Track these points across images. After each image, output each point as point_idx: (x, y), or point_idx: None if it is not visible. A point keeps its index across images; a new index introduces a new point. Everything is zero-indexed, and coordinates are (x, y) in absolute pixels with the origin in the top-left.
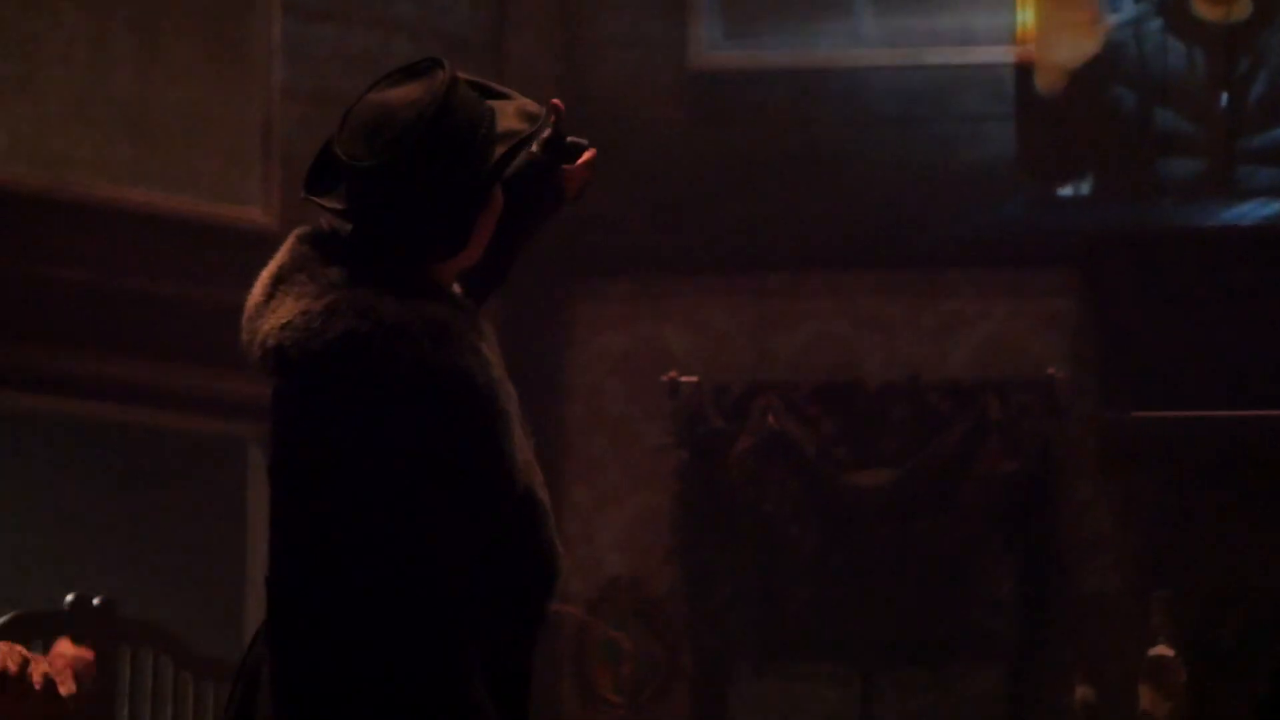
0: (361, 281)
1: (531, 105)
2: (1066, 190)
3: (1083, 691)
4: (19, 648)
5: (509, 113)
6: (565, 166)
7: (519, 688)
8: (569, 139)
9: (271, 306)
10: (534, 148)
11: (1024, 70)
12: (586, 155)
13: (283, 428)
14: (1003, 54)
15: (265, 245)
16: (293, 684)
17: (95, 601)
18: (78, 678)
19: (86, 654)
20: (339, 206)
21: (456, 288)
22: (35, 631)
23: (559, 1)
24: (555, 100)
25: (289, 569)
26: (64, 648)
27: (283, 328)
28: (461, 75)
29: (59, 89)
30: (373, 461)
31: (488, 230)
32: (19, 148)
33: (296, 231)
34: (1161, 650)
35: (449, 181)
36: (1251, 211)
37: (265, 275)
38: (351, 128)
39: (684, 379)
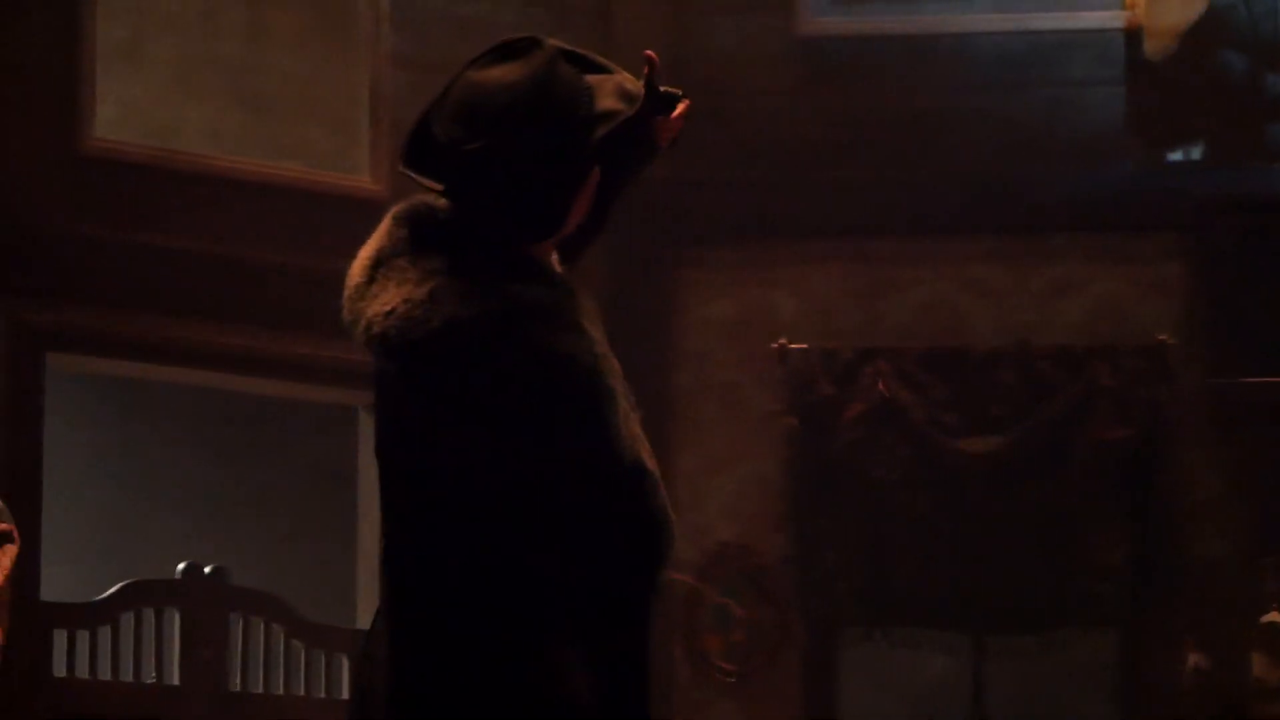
0: (461, 266)
1: (630, 82)
2: (1176, 155)
3: (1194, 658)
4: None
5: (608, 89)
6: (659, 118)
7: (639, 659)
8: (662, 89)
9: (374, 290)
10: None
11: (1133, 35)
12: (681, 107)
13: (390, 411)
14: (1111, 18)
15: (374, 213)
16: (409, 667)
17: (207, 570)
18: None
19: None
20: (438, 186)
21: (553, 254)
22: (147, 600)
23: None
24: (649, 53)
25: (402, 548)
26: None
27: (386, 315)
28: (561, 46)
29: (168, 58)
30: (481, 446)
31: (584, 204)
32: (128, 117)
33: (394, 210)
34: (1274, 616)
35: (548, 164)
36: None
37: (365, 256)
38: (451, 107)
39: (793, 345)
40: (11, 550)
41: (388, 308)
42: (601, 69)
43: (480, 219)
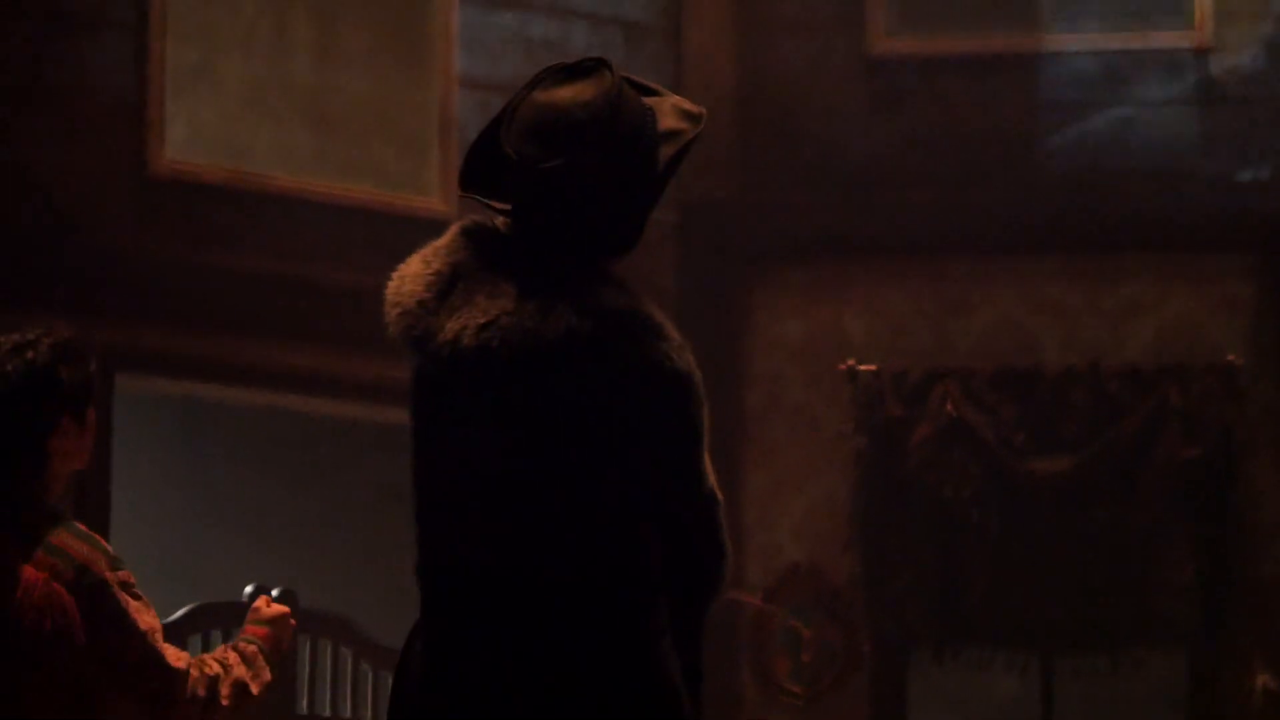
0: (555, 281)
1: (686, 103)
2: (1246, 175)
3: (1264, 678)
4: (208, 665)
5: (666, 110)
6: None
7: (692, 681)
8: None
9: (454, 303)
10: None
11: (1201, 55)
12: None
13: (469, 423)
14: (1181, 39)
15: (443, 232)
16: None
17: (274, 592)
18: (277, 646)
19: (280, 611)
20: (504, 206)
21: None
22: (214, 622)
23: None
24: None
25: (513, 553)
26: (261, 612)
27: (483, 327)
28: (624, 75)
29: (238, 78)
30: (597, 450)
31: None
32: (199, 137)
33: (457, 228)
34: None
35: (626, 180)
36: None
37: (431, 271)
38: (522, 126)
39: (862, 366)
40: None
41: (484, 319)
42: (653, 92)
43: (556, 236)
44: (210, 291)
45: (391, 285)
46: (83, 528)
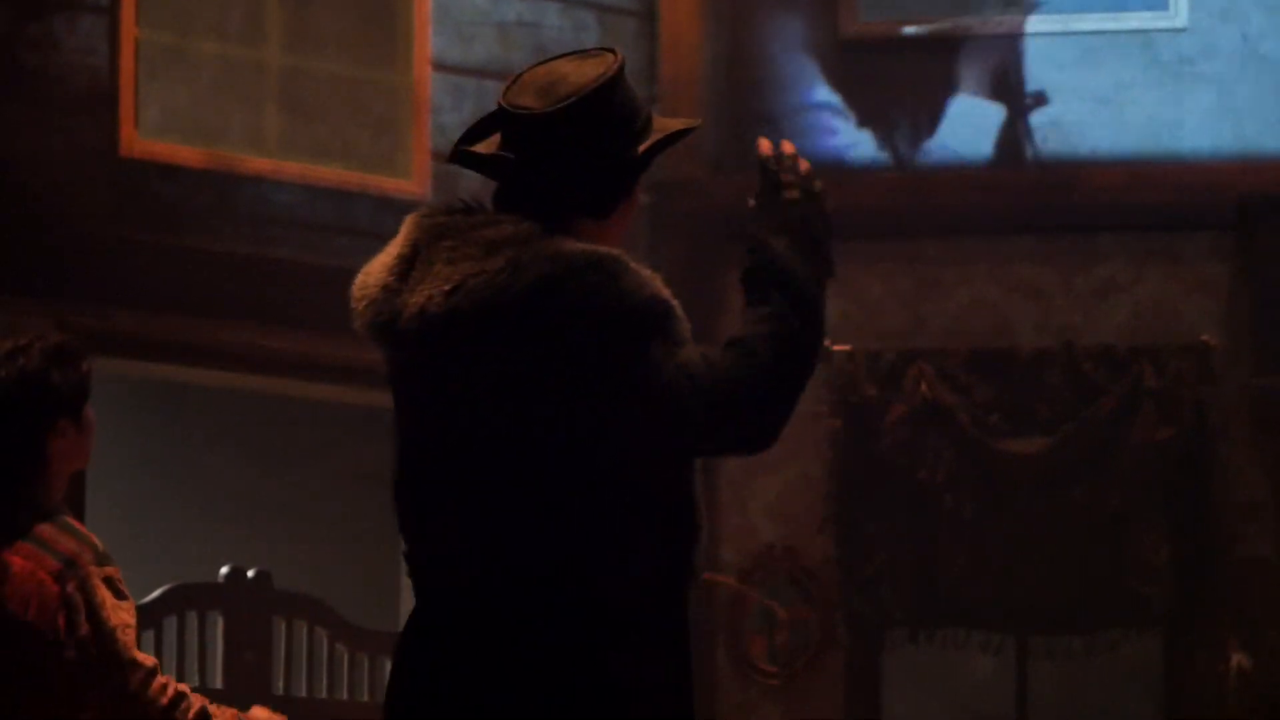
0: (524, 236)
1: (687, 119)
2: (1219, 156)
3: (1237, 658)
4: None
5: (664, 115)
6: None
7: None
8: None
9: (414, 278)
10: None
11: (1176, 35)
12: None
13: (447, 391)
14: (1155, 19)
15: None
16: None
17: (250, 574)
18: None
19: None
20: (488, 152)
21: None
22: (190, 603)
23: None
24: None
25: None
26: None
27: (450, 293)
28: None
29: (211, 61)
30: (581, 395)
31: (626, 221)
32: (172, 120)
33: (413, 214)
34: None
35: (610, 145)
36: None
37: (393, 257)
38: (522, 86)
39: (837, 347)
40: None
41: (449, 285)
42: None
43: (535, 186)
44: (184, 274)
45: (356, 282)
46: (75, 524)
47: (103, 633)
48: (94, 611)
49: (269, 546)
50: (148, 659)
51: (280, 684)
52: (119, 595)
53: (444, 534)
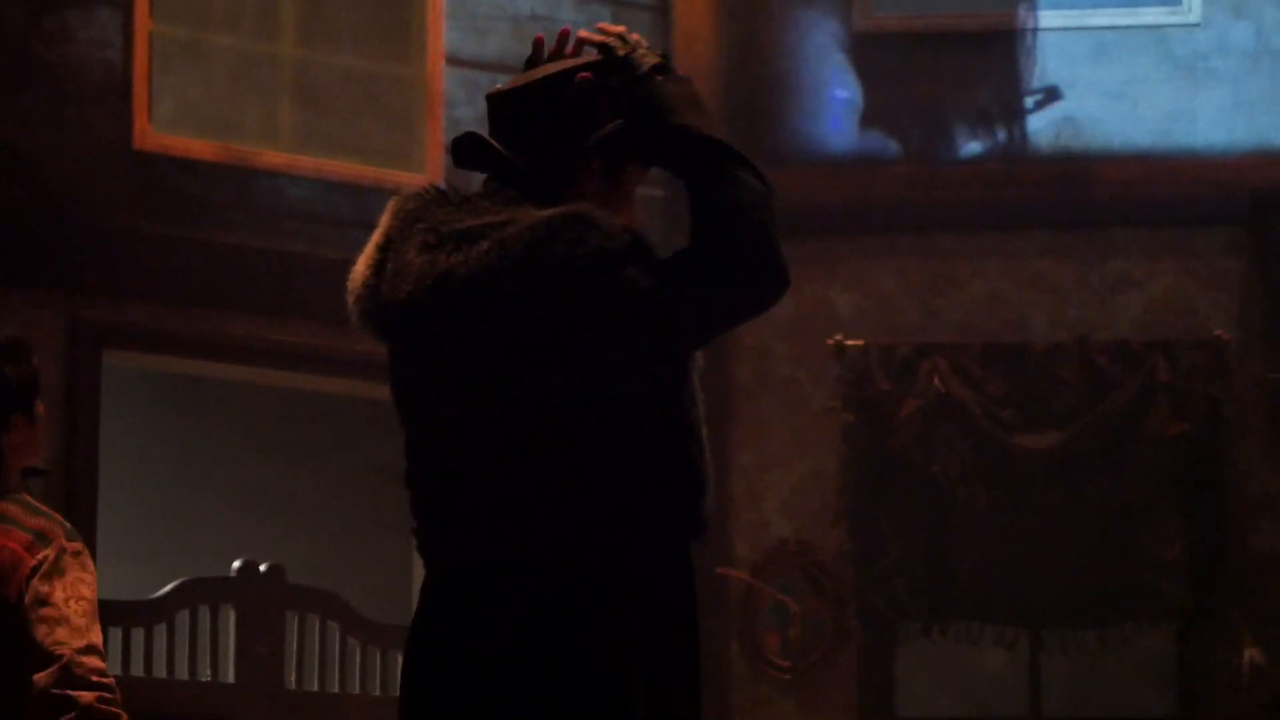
0: (507, 216)
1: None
2: (1233, 150)
3: (1251, 653)
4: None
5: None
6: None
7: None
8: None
9: (391, 269)
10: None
11: (1190, 30)
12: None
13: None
14: (1168, 14)
15: None
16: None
17: (262, 567)
18: None
19: None
20: (462, 134)
21: None
22: (202, 597)
23: None
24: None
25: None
26: None
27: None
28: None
29: (226, 54)
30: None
31: (628, 190)
32: (187, 113)
33: (390, 203)
34: None
35: (556, 121)
36: None
37: (370, 248)
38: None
39: (850, 342)
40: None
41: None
42: None
43: (511, 160)
44: (198, 267)
45: (349, 276)
46: (36, 503)
47: (53, 598)
48: (49, 578)
49: (282, 540)
50: (84, 637)
51: (292, 678)
52: (84, 569)
53: (452, 503)
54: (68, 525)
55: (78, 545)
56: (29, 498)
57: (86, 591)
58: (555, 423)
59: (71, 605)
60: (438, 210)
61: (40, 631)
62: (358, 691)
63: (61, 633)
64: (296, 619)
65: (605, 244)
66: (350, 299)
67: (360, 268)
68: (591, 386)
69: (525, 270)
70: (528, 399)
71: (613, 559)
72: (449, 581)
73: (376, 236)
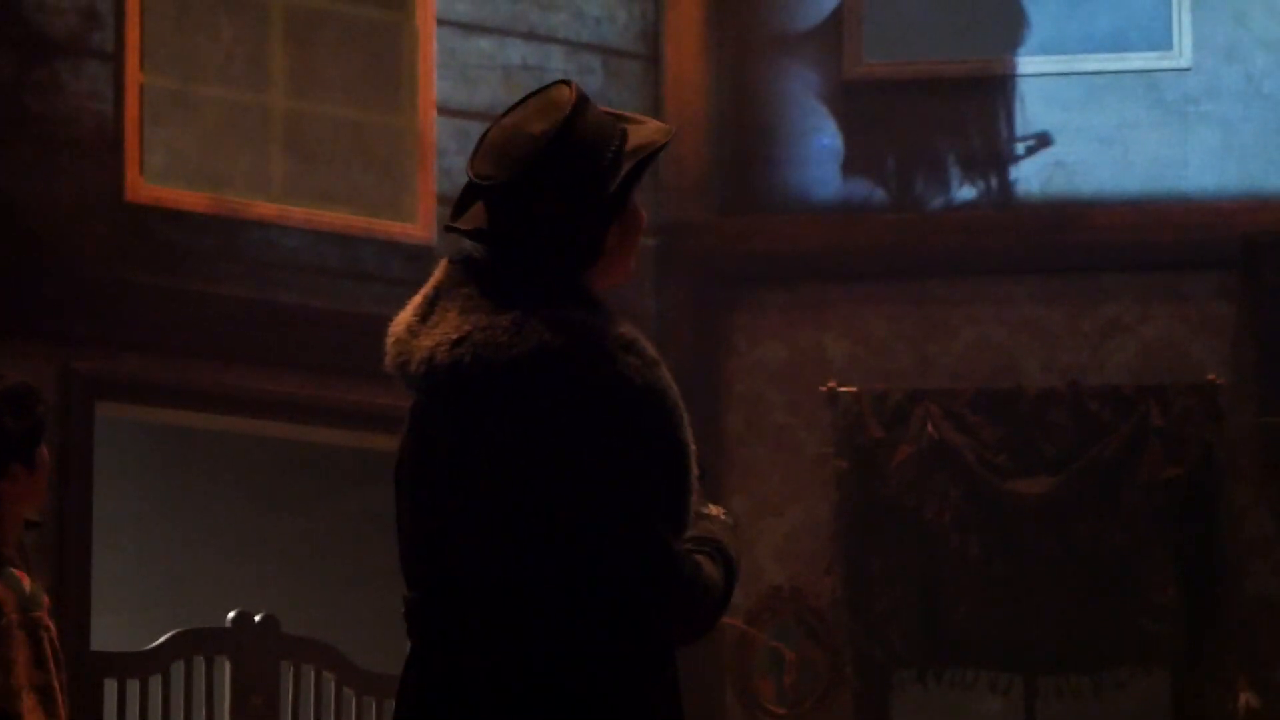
0: (530, 297)
1: (663, 125)
2: (1224, 195)
3: (1246, 697)
4: None
5: (642, 133)
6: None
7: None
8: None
9: (431, 323)
10: None
11: (1180, 75)
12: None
13: (456, 439)
14: (1159, 59)
15: (422, 258)
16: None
17: (257, 618)
18: None
19: None
20: (468, 228)
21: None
22: (196, 648)
23: (715, 12)
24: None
25: (495, 575)
26: None
27: (456, 344)
28: (602, 108)
29: (216, 106)
30: (574, 470)
31: (631, 244)
32: (177, 165)
33: (450, 256)
34: None
35: (576, 194)
36: None
37: (418, 298)
38: (483, 150)
39: (843, 388)
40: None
41: (457, 335)
42: (635, 121)
43: (521, 252)
44: (190, 318)
45: (393, 321)
46: (14, 571)
47: (10, 690)
48: (6, 667)
49: (276, 590)
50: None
51: None
52: (36, 643)
53: (443, 578)
54: (26, 591)
55: (38, 615)
56: (11, 568)
57: (42, 677)
58: (535, 518)
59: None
60: (485, 270)
61: None
62: None
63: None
64: (292, 669)
65: (632, 391)
66: (388, 340)
67: (405, 312)
68: (570, 495)
69: (539, 371)
70: (515, 489)
71: (600, 677)
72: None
73: (428, 287)
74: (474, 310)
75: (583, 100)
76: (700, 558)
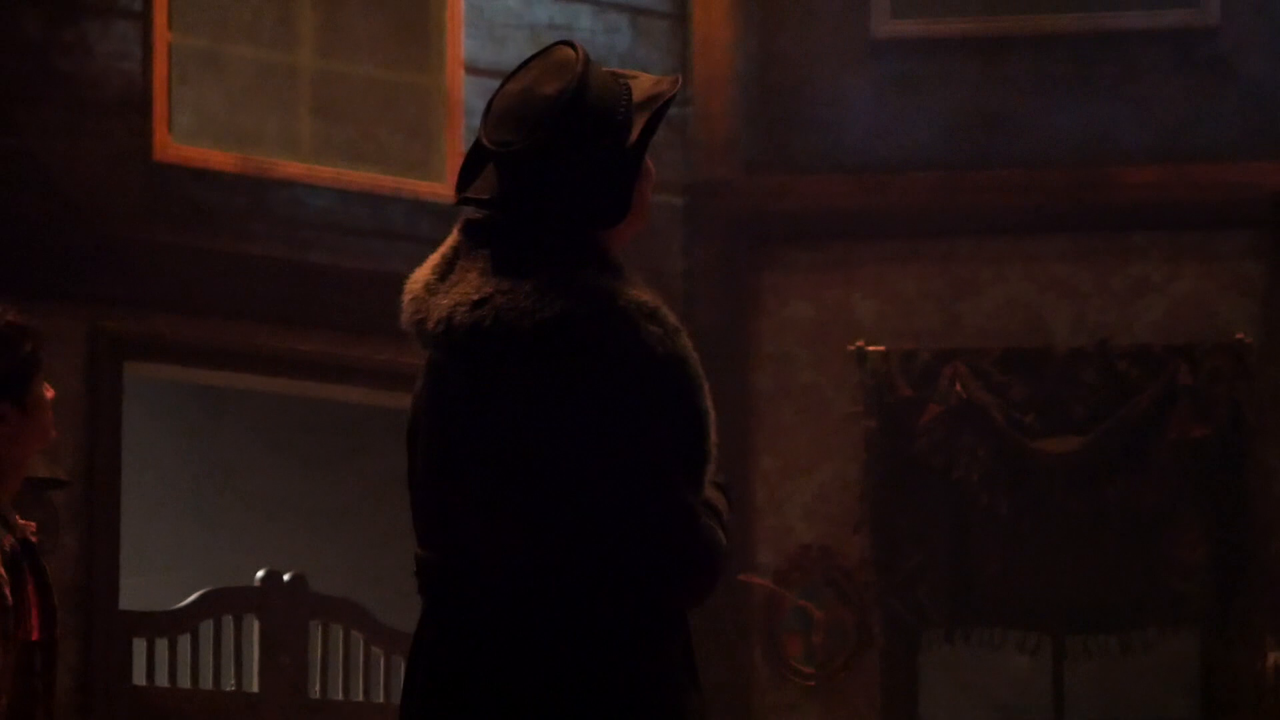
0: (557, 261)
1: (662, 79)
2: (1254, 153)
3: (1275, 656)
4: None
5: (644, 86)
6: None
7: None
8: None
9: (451, 282)
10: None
11: (1210, 33)
12: None
13: (474, 400)
14: (1189, 16)
15: (450, 217)
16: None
17: (286, 577)
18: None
19: None
20: (486, 196)
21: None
22: (225, 607)
23: None
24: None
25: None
26: None
27: (477, 304)
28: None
29: (244, 65)
30: (595, 435)
31: (646, 198)
32: (206, 124)
33: (464, 219)
34: None
35: (599, 153)
36: None
37: (436, 257)
38: (495, 117)
39: (871, 347)
40: None
41: (478, 296)
42: (631, 77)
43: (539, 217)
44: (218, 278)
45: (409, 278)
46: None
47: None
48: None
49: (305, 549)
50: None
51: (316, 688)
52: None
53: (457, 538)
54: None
55: None
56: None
57: None
58: (548, 480)
59: None
60: (506, 230)
61: None
62: (382, 701)
63: None
64: (320, 628)
65: (653, 360)
66: (405, 297)
67: (423, 270)
68: (587, 457)
69: (560, 338)
70: (532, 450)
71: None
72: (450, 616)
73: (446, 246)
74: (496, 272)
75: (589, 61)
76: (713, 523)
